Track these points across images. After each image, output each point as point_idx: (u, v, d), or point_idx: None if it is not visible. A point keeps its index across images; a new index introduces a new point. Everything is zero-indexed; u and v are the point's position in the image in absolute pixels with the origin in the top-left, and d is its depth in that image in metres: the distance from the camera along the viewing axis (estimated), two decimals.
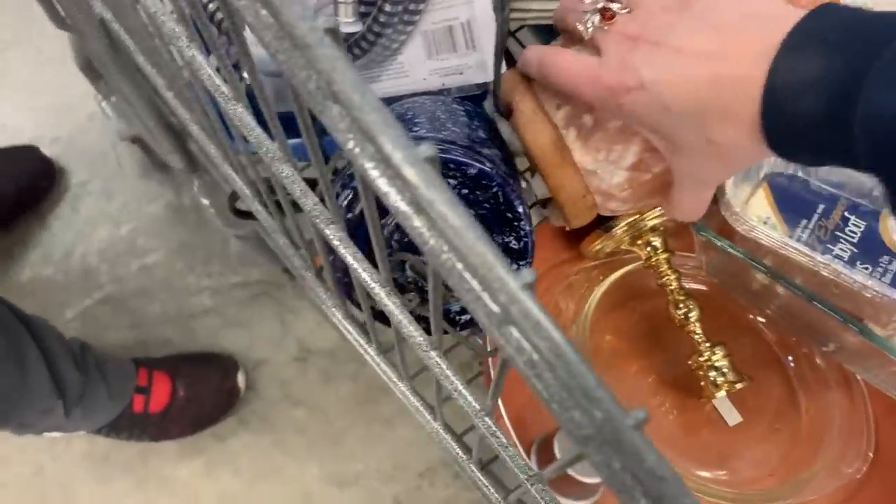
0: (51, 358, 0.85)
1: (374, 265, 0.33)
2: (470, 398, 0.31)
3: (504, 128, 0.52)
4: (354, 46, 0.53)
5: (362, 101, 0.16)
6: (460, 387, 0.31)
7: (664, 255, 0.56)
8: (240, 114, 0.32)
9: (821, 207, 0.56)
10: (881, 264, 0.53)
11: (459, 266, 0.20)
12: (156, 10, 0.33)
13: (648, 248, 0.56)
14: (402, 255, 0.48)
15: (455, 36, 0.55)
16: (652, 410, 0.58)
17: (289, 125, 0.34)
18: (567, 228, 0.53)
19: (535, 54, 0.44)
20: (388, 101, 0.56)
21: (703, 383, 0.55)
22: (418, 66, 0.56)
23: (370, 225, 0.27)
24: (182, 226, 1.13)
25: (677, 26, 0.35)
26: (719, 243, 0.51)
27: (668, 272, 0.56)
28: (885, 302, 0.48)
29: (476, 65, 0.56)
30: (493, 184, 0.45)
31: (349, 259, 0.31)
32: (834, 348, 0.56)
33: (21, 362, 0.80)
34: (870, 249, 0.54)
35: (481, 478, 0.46)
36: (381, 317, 0.51)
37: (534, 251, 0.48)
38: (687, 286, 0.57)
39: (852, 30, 0.30)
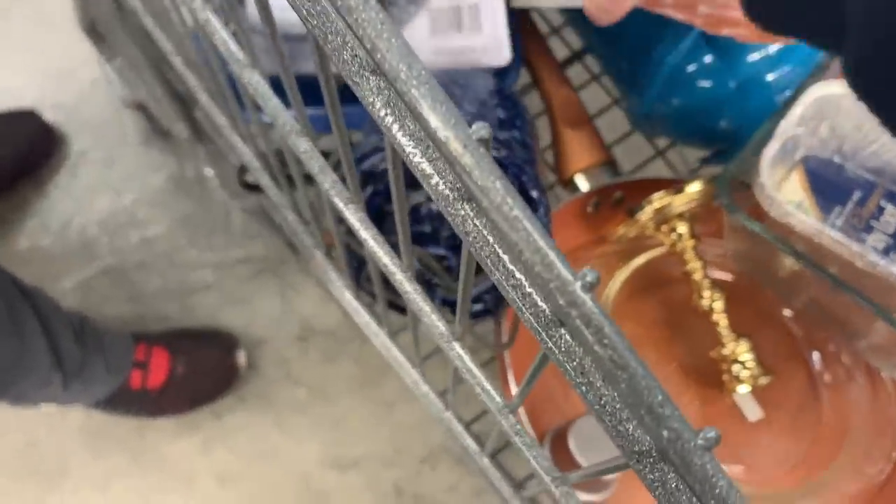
0: (50, 330, 0.83)
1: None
2: (494, 393, 0.29)
3: None
4: None
5: (409, 73, 0.14)
6: (484, 382, 0.29)
7: (690, 242, 0.54)
8: (256, 82, 0.30)
9: (857, 194, 0.54)
10: None
11: (506, 258, 0.17)
12: None
13: (674, 235, 0.54)
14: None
15: (461, 16, 0.53)
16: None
17: (304, 91, 0.32)
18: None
19: None
20: None
21: (724, 376, 0.53)
22: (422, 43, 0.54)
23: (397, 209, 0.25)
24: (185, 198, 1.10)
25: None
26: (751, 226, 0.49)
27: (694, 259, 0.54)
28: None
29: (482, 48, 0.53)
30: (507, 173, 0.42)
31: (371, 242, 0.29)
32: (863, 344, 0.54)
33: (20, 333, 0.78)
34: None
35: (494, 470, 0.44)
36: (392, 304, 0.49)
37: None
38: (712, 275, 0.55)
39: None
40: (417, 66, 0.14)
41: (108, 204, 1.11)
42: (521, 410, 0.51)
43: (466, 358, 0.29)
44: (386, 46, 0.14)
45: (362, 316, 0.48)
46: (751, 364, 0.52)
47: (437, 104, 0.14)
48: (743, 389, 0.52)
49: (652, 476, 0.18)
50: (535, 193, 0.44)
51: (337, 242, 0.38)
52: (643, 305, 0.57)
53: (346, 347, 1.05)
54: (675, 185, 0.53)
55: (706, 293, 0.53)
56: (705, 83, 0.58)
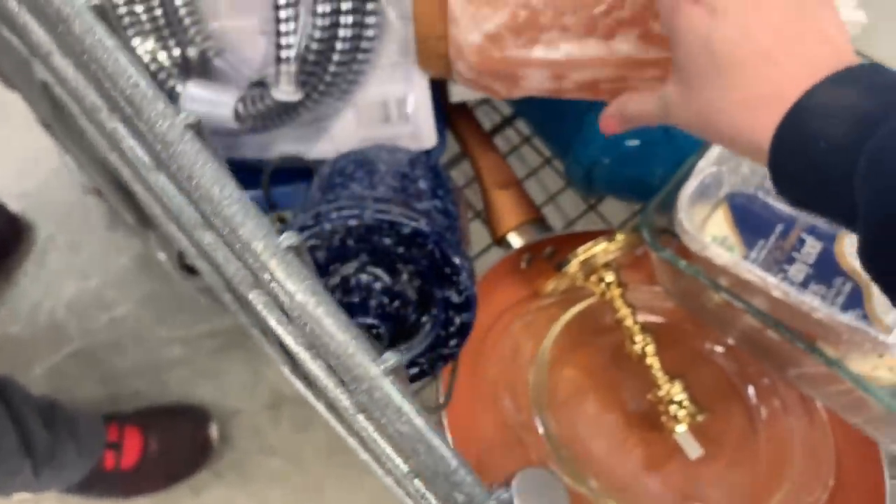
0: (18, 417, 0.83)
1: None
2: (398, 461, 0.31)
3: None
4: (291, 111, 0.54)
5: (221, 195, 0.16)
6: (388, 449, 0.31)
7: (618, 290, 0.56)
8: (161, 182, 0.32)
9: (779, 228, 0.57)
10: (835, 286, 0.53)
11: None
12: (76, 85, 0.33)
13: (602, 284, 0.56)
14: None
15: (389, 109, 0.56)
16: (616, 446, 0.58)
17: (246, 178, 0.35)
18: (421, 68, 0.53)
19: None
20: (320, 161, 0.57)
21: (663, 417, 0.55)
22: (347, 134, 0.57)
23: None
24: (150, 277, 1.12)
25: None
26: (672, 261, 0.51)
27: (623, 307, 0.56)
28: (834, 323, 0.48)
29: (409, 136, 0.56)
30: (427, 241, 0.45)
31: (272, 323, 0.31)
32: (795, 374, 0.56)
33: None
34: (825, 271, 0.54)
35: None
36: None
37: (476, 303, 0.47)
38: (645, 319, 0.57)
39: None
40: (229, 188, 0.16)
41: (75, 287, 1.12)
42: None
43: (370, 429, 0.31)
44: (199, 172, 0.16)
45: (308, 396, 0.50)
46: (686, 403, 0.53)
47: (248, 219, 0.16)
48: (681, 429, 0.54)
49: None
50: (456, 259, 0.46)
51: (247, 322, 0.40)
52: (582, 354, 0.59)
53: (318, 414, 1.05)
54: (601, 237, 0.55)
55: (637, 338, 0.55)
56: (634, 142, 0.61)
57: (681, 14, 0.36)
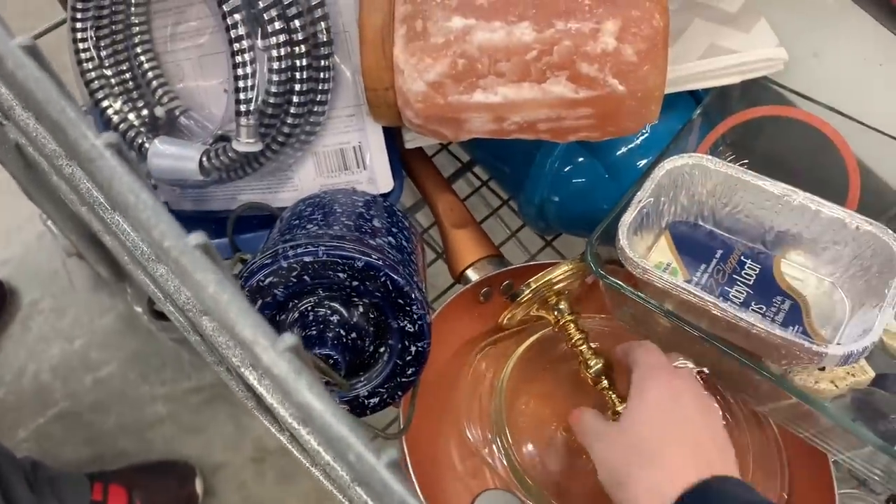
0: (2, 479, 0.84)
1: None
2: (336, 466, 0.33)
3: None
4: (253, 161, 0.57)
5: (136, 201, 0.19)
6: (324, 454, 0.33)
7: (570, 317, 0.58)
8: (116, 221, 0.35)
9: (719, 253, 0.60)
10: (775, 304, 0.56)
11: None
12: (36, 134, 0.36)
13: (555, 312, 0.59)
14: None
15: (346, 157, 0.59)
16: (578, 469, 0.59)
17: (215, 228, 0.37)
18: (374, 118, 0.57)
19: None
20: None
21: None
22: (308, 182, 0.60)
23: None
24: (134, 335, 1.14)
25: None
26: (616, 286, 0.54)
27: (576, 333, 0.58)
28: (774, 340, 0.51)
29: (367, 181, 0.60)
30: (380, 273, 0.47)
31: (221, 342, 0.33)
32: (748, 392, 0.58)
33: None
34: (764, 290, 0.57)
35: None
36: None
37: (430, 331, 0.50)
38: (599, 345, 0.59)
39: None
40: (143, 195, 0.19)
41: (60, 350, 1.14)
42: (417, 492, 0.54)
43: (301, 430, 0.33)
44: (117, 184, 0.19)
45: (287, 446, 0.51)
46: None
47: (159, 219, 0.19)
48: None
49: None
50: (408, 289, 0.49)
51: (212, 359, 0.42)
52: (540, 382, 0.61)
53: (302, 464, 1.06)
54: (553, 266, 0.58)
55: (591, 362, 0.57)
56: (580, 180, 0.65)
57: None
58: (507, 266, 0.64)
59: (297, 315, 0.50)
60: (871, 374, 0.56)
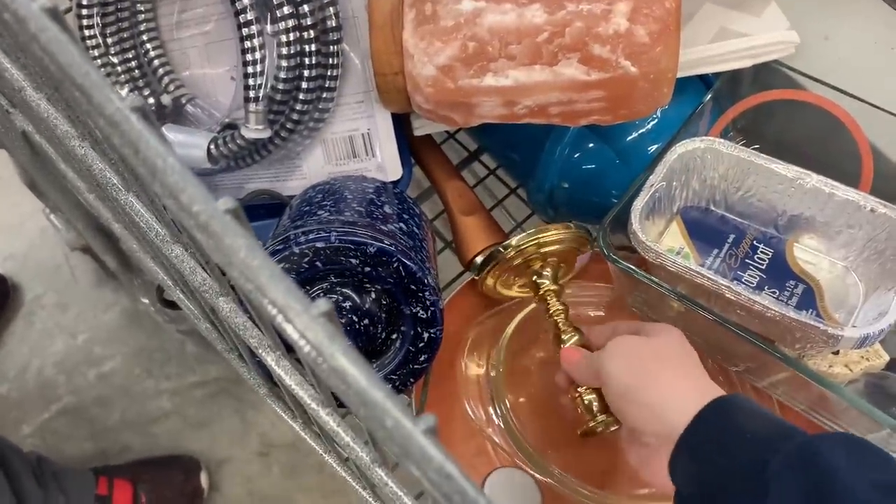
0: (10, 472, 0.84)
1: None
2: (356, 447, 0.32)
3: None
4: (262, 148, 0.56)
5: (164, 165, 0.19)
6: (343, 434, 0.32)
7: (553, 287, 0.57)
8: (130, 202, 0.35)
9: (731, 237, 0.59)
10: (787, 288, 0.56)
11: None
12: (48, 115, 0.36)
13: (537, 279, 0.58)
14: None
15: (355, 144, 0.59)
16: (573, 434, 0.58)
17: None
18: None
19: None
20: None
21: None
22: (317, 169, 0.60)
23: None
24: (138, 330, 1.13)
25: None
26: (627, 270, 0.53)
27: (556, 304, 0.56)
28: (788, 322, 0.50)
29: (376, 168, 0.59)
30: (392, 259, 0.47)
31: (239, 324, 0.33)
32: (744, 368, 0.58)
33: None
34: (777, 275, 0.57)
35: None
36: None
37: (443, 317, 0.50)
38: (586, 314, 0.59)
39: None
40: (171, 159, 0.19)
41: (63, 345, 1.14)
42: None
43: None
44: (144, 147, 0.19)
45: (304, 440, 0.51)
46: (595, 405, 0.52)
47: (187, 182, 0.19)
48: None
49: None
50: (420, 275, 0.48)
51: (225, 339, 0.42)
52: (535, 350, 0.60)
53: (308, 458, 1.06)
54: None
55: (565, 336, 0.54)
56: (590, 166, 0.64)
57: None
58: None
59: None
60: (886, 357, 0.56)
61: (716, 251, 0.58)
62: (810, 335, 0.51)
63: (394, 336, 0.51)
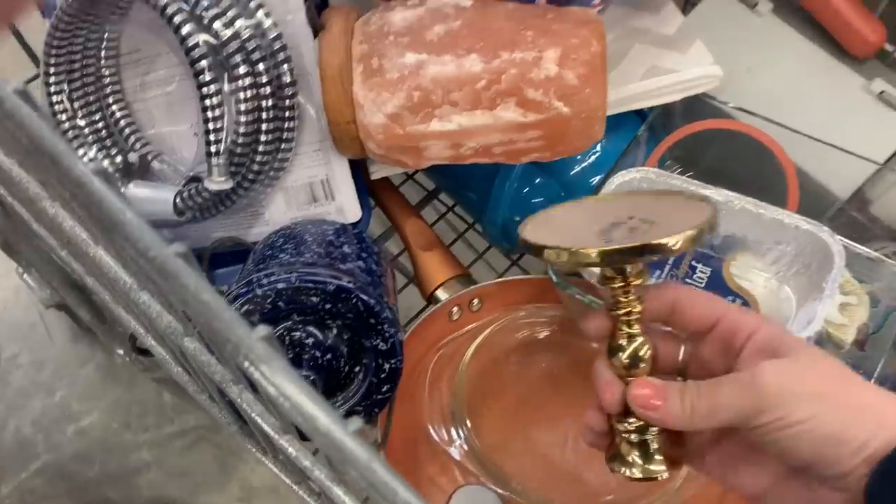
0: None
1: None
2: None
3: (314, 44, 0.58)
4: (225, 199, 0.59)
5: (124, 218, 0.22)
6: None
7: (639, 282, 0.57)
8: (99, 255, 0.38)
9: (671, 259, 0.63)
10: None
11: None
12: (20, 179, 0.39)
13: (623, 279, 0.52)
14: None
15: (315, 190, 0.63)
16: (538, 451, 0.61)
17: None
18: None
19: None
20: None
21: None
22: (279, 216, 0.63)
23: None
24: (115, 384, 1.14)
25: None
26: (571, 292, 0.56)
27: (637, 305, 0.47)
28: None
29: (336, 211, 0.63)
30: (351, 295, 0.50)
31: (204, 361, 0.36)
32: None
33: None
34: (716, 292, 0.60)
35: None
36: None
37: (402, 349, 0.52)
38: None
39: None
40: (129, 213, 0.22)
41: (41, 403, 1.14)
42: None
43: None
44: (107, 207, 0.22)
45: (284, 482, 0.53)
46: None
47: (143, 233, 0.22)
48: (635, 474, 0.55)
49: None
50: (378, 308, 0.51)
51: (195, 382, 0.45)
52: (496, 370, 0.63)
53: (288, 502, 1.07)
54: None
55: (637, 344, 0.53)
56: (539, 199, 0.69)
57: None
58: (476, 284, 0.67)
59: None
60: None
61: (658, 273, 0.62)
62: None
63: (356, 369, 0.54)
